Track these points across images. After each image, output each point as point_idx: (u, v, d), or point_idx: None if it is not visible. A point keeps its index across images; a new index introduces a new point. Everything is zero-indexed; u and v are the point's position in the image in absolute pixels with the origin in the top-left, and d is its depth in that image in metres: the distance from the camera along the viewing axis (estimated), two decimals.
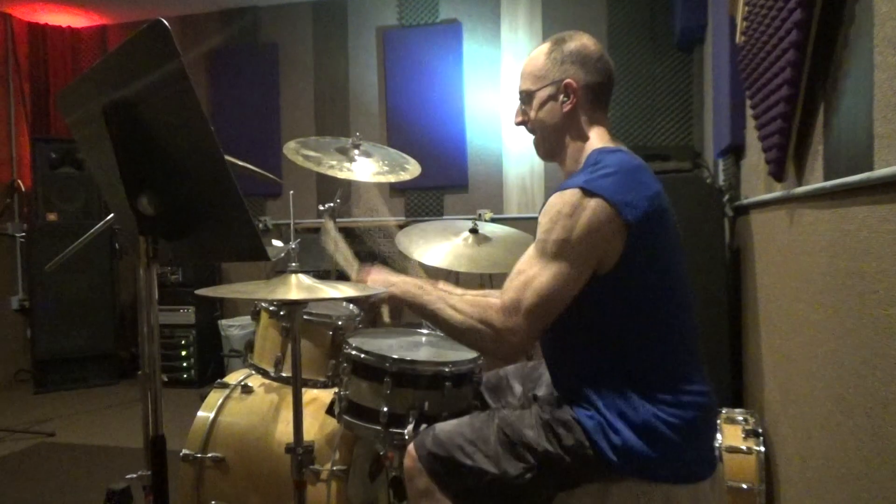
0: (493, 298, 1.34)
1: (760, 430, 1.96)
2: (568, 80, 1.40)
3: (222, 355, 4.53)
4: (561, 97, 1.42)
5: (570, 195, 1.26)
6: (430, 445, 1.36)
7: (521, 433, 1.32)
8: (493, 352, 1.34)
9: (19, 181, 4.97)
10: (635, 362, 1.30)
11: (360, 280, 1.60)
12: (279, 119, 4.93)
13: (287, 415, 1.91)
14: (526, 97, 1.47)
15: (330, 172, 2.26)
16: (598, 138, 1.42)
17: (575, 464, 1.28)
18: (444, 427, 1.39)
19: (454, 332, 1.37)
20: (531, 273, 1.28)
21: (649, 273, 1.29)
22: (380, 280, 1.54)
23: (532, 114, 1.46)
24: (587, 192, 1.25)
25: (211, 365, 4.63)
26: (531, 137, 1.52)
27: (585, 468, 1.29)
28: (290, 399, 1.78)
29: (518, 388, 1.68)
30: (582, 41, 1.43)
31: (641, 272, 1.28)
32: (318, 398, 2.03)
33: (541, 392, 1.59)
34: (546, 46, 1.45)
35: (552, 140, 1.46)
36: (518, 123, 1.52)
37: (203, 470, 1.96)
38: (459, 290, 1.44)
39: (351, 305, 2.19)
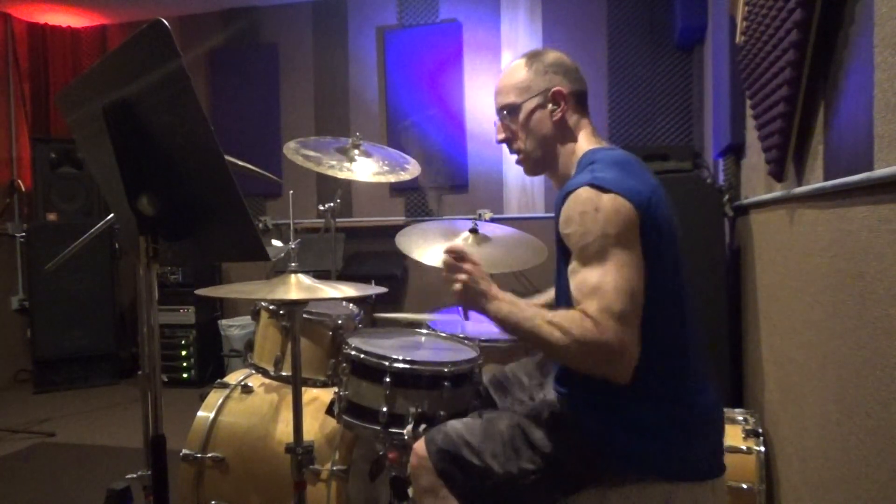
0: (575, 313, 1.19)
1: (760, 430, 1.96)
2: (557, 88, 1.42)
3: (222, 355, 4.53)
4: (550, 106, 1.43)
5: (585, 194, 1.24)
6: (440, 442, 1.35)
7: (528, 434, 1.32)
8: (605, 370, 1.18)
9: (19, 181, 4.96)
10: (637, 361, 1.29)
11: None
12: (279, 119, 4.92)
13: (287, 415, 1.91)
14: (511, 111, 1.47)
15: (330, 172, 2.26)
16: (586, 141, 1.44)
17: (578, 465, 1.28)
18: (455, 425, 1.39)
19: (558, 353, 1.22)
20: (594, 281, 1.18)
21: (651, 269, 1.26)
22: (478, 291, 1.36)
23: (518, 127, 1.47)
24: (598, 188, 1.23)
25: (211, 365, 4.62)
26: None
27: (588, 469, 1.28)
28: (290, 399, 1.78)
29: (525, 384, 1.68)
30: (557, 53, 1.47)
31: (645, 268, 1.25)
32: (318, 398, 2.04)
33: (547, 391, 1.59)
34: (522, 61, 1.47)
35: (544, 149, 1.47)
36: (501, 140, 1.52)
37: (203, 470, 1.96)
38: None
39: (351, 305, 2.19)
